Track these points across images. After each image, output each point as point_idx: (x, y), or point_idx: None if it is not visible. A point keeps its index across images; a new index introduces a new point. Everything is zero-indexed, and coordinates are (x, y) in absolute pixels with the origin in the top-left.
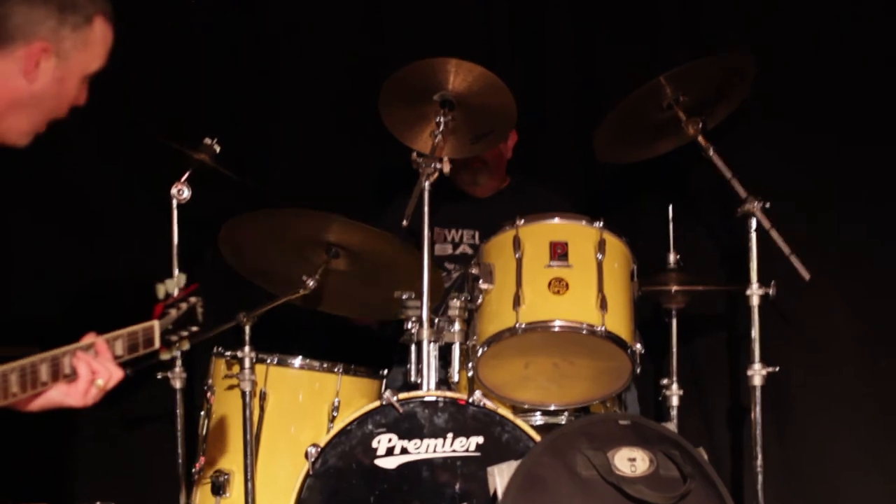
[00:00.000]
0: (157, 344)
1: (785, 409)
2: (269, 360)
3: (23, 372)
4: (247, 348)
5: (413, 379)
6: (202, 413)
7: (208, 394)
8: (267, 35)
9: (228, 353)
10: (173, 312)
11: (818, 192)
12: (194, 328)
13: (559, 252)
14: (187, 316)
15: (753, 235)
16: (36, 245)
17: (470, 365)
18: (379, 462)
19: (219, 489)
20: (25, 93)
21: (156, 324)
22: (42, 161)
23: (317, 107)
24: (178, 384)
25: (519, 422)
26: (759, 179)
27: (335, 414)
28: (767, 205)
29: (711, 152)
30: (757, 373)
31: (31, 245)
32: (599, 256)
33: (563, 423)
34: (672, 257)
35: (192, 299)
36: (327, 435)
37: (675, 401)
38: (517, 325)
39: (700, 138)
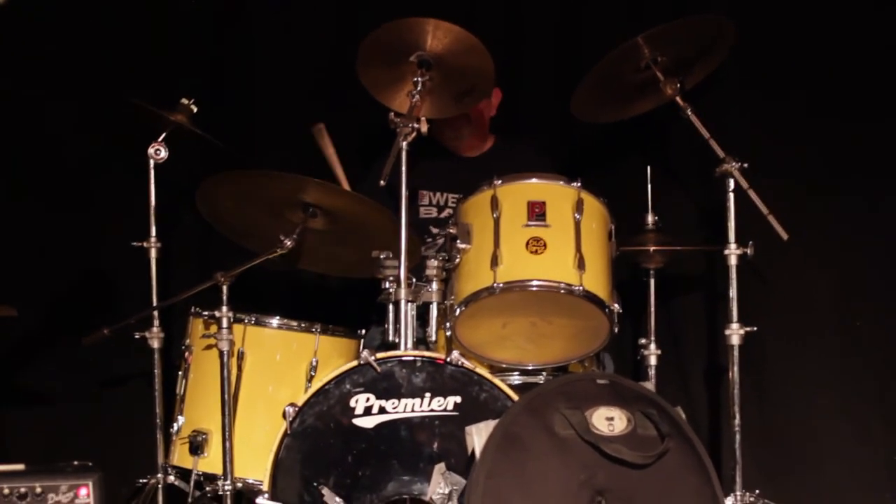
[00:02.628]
0: None
1: (762, 368)
2: (246, 320)
3: None
4: (224, 308)
5: (391, 339)
6: (180, 373)
7: (186, 353)
8: None
9: (206, 313)
10: None
11: (795, 154)
12: None
13: (537, 212)
14: None
15: (731, 195)
16: (17, 209)
17: (448, 324)
18: (357, 421)
19: (197, 449)
20: None
21: None
22: (17, 125)
23: (297, 66)
24: (155, 344)
25: (497, 381)
26: (735, 142)
27: (313, 374)
28: (745, 165)
29: (689, 112)
30: (734, 332)
31: (12, 208)
32: (577, 216)
33: (541, 382)
34: (650, 217)
35: None
36: (305, 394)
37: (652, 360)
38: (495, 285)
39: (678, 98)
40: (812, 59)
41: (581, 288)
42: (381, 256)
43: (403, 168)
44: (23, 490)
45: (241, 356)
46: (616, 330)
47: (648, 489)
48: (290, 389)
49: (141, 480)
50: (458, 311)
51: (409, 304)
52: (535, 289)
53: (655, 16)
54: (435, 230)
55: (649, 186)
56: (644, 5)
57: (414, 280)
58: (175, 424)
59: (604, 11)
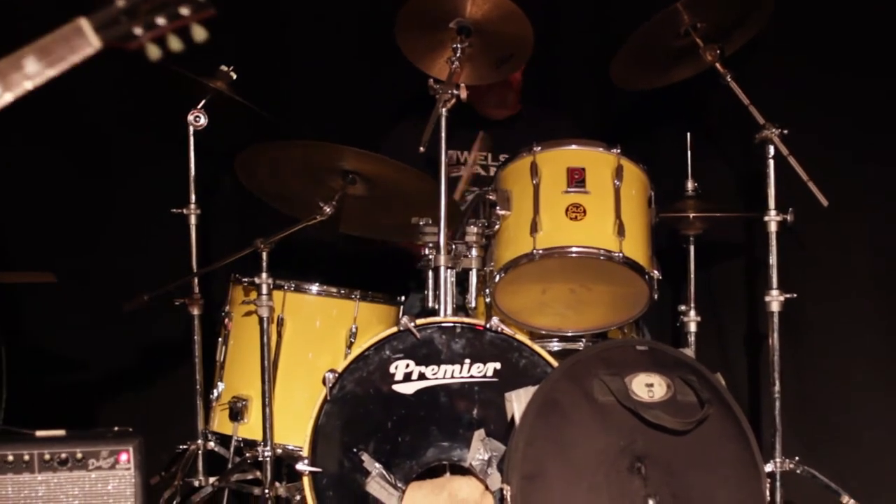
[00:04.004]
0: (94, 43)
1: (802, 335)
2: (286, 287)
3: None
4: (264, 275)
5: (430, 305)
6: (220, 339)
7: (226, 320)
8: None
9: (246, 280)
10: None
11: (837, 122)
12: (185, 8)
13: (576, 178)
14: None
15: (771, 162)
16: (55, 176)
17: (487, 291)
18: (396, 388)
19: (237, 415)
20: None
21: (81, 20)
22: (58, 95)
23: (335, 34)
24: (195, 310)
25: (536, 347)
26: (775, 108)
27: (352, 340)
28: (785, 131)
29: (729, 79)
30: (774, 299)
31: (48, 178)
32: (617, 183)
33: (581, 348)
34: (690, 184)
35: None
36: (345, 361)
37: (692, 327)
38: (534, 251)
39: (718, 65)
40: (853, 24)
41: (621, 254)
42: (421, 223)
43: (443, 135)
44: (63, 455)
45: (280, 322)
46: (656, 296)
47: (688, 455)
48: (329, 356)
49: (181, 446)
50: (497, 277)
51: (449, 270)
52: (574, 255)
53: None
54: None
55: (689, 153)
56: None
57: (454, 246)
58: (215, 391)
59: None
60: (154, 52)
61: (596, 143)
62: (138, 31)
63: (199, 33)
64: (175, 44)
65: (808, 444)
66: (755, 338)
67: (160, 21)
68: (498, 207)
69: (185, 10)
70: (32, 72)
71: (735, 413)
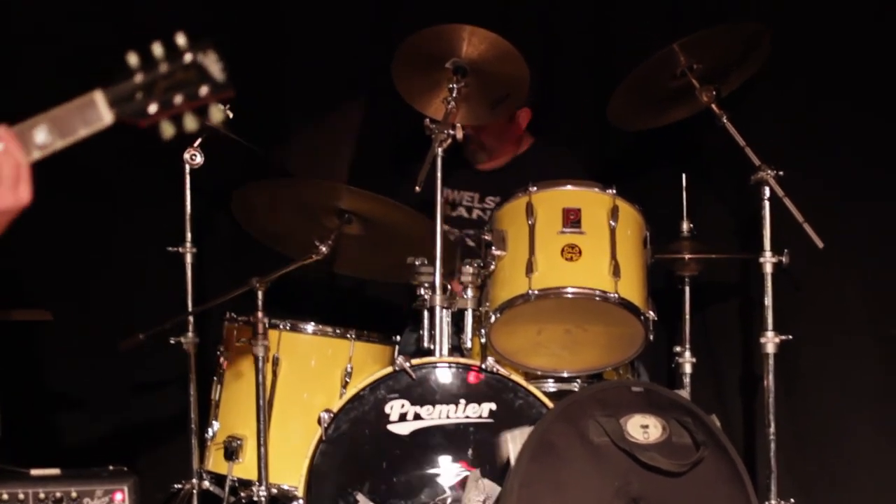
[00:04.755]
0: (106, 118)
1: (798, 377)
2: (281, 326)
3: None
4: (260, 314)
5: (426, 345)
6: (215, 378)
7: (221, 359)
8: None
9: (241, 319)
10: (140, 76)
11: (832, 161)
12: (204, 89)
13: (572, 218)
14: (185, 72)
15: (766, 203)
16: (52, 215)
17: (483, 331)
18: (392, 428)
19: (232, 454)
20: None
21: (96, 93)
22: None
23: (331, 73)
24: (191, 349)
25: (532, 388)
26: (772, 148)
27: (348, 380)
28: (781, 173)
29: (725, 120)
30: (770, 340)
31: (44, 216)
32: (612, 223)
33: (576, 389)
34: (685, 225)
35: (189, 56)
36: (340, 400)
37: (687, 368)
38: (530, 292)
39: (714, 106)
40: (849, 67)
41: (616, 295)
42: (417, 263)
43: (439, 174)
44: (58, 495)
45: (276, 362)
46: (651, 337)
47: (683, 497)
48: (325, 395)
49: (176, 486)
50: (493, 317)
51: (444, 310)
52: (570, 296)
53: (691, 23)
54: (469, 232)
55: (684, 194)
56: (679, 12)
57: (449, 286)
58: (210, 430)
59: (638, 19)
60: (168, 130)
61: (591, 184)
62: (153, 108)
63: (217, 115)
64: (191, 123)
65: (804, 486)
66: (750, 379)
67: (177, 100)
68: (493, 247)
69: (204, 91)
70: (42, 142)
71: (730, 455)
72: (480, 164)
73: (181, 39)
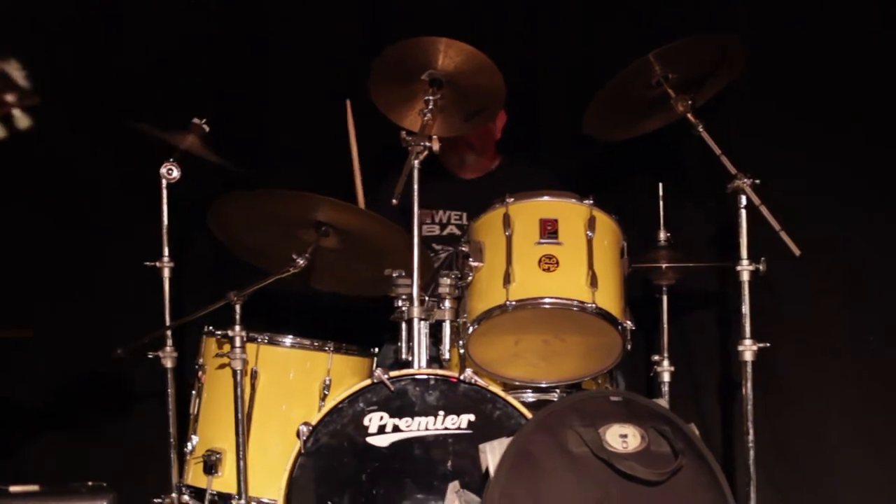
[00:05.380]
0: None
1: (776, 385)
2: (259, 339)
3: None
4: (237, 327)
5: (404, 357)
6: (193, 392)
7: (199, 373)
8: (258, 13)
9: (219, 332)
10: None
11: (809, 169)
12: (11, 96)
13: (549, 229)
14: None
15: (743, 212)
16: (29, 230)
17: (461, 342)
18: (371, 440)
19: (211, 468)
20: None
21: None
22: (32, 148)
23: (307, 85)
24: (168, 363)
25: (510, 399)
26: (747, 157)
27: (326, 392)
28: (757, 181)
29: (700, 129)
30: (747, 348)
31: (24, 231)
32: (589, 234)
33: (555, 399)
34: (662, 234)
35: None
36: (319, 413)
37: (666, 377)
38: (507, 303)
39: (689, 115)
40: (824, 74)
41: (594, 305)
42: (394, 275)
43: (416, 187)
44: None
45: (254, 375)
46: (629, 347)
47: None
48: (303, 408)
49: (156, 500)
50: (470, 328)
51: (422, 322)
52: (547, 306)
53: (666, 33)
54: (437, 247)
55: (661, 203)
56: (655, 23)
57: (426, 298)
58: (189, 444)
59: (616, 30)
60: None
61: (568, 195)
62: None
63: (23, 121)
64: (0, 131)
65: (783, 493)
66: (729, 387)
67: None
68: (471, 259)
69: (10, 98)
70: None
71: (709, 463)
72: (467, 169)
73: None
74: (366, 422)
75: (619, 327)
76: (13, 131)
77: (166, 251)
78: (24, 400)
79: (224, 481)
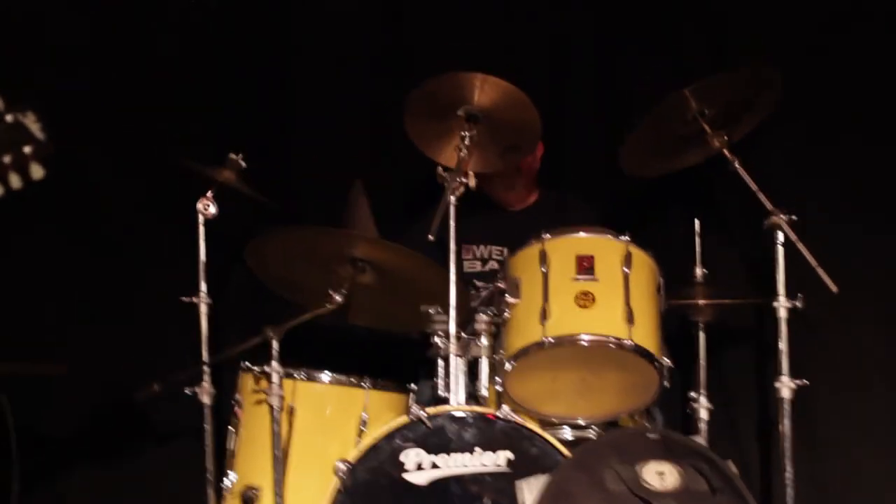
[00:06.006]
0: None
1: (814, 422)
2: (297, 375)
3: None
4: (275, 363)
5: (441, 393)
6: (231, 428)
7: (237, 409)
8: (289, 48)
9: (256, 368)
10: None
11: (846, 205)
12: (28, 148)
13: (585, 266)
14: (9, 133)
15: (780, 248)
16: (67, 265)
17: (498, 379)
18: (408, 477)
19: None
20: None
21: None
22: (70, 182)
23: (342, 120)
24: (206, 399)
25: (547, 436)
26: (784, 192)
27: (363, 429)
28: (794, 217)
29: (737, 165)
30: (785, 385)
31: (62, 265)
32: (626, 270)
33: (592, 437)
34: (699, 270)
35: (10, 117)
36: (356, 450)
37: (703, 414)
38: (544, 340)
39: (725, 151)
40: (860, 108)
41: (630, 342)
42: (431, 311)
43: (452, 223)
44: None
45: (291, 411)
46: (666, 384)
47: None
48: (340, 445)
49: None
50: (507, 365)
51: (459, 358)
52: (584, 343)
53: (699, 67)
54: (479, 283)
55: (697, 239)
56: (688, 57)
57: (463, 334)
58: (226, 480)
59: (648, 63)
60: None
61: (605, 231)
62: None
63: (38, 171)
64: (15, 182)
65: None
66: (766, 424)
67: (6, 160)
68: (507, 295)
69: (28, 150)
70: None
71: (747, 501)
72: (513, 196)
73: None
74: (403, 458)
75: (656, 364)
76: (28, 182)
77: (204, 287)
78: (59, 434)
79: None
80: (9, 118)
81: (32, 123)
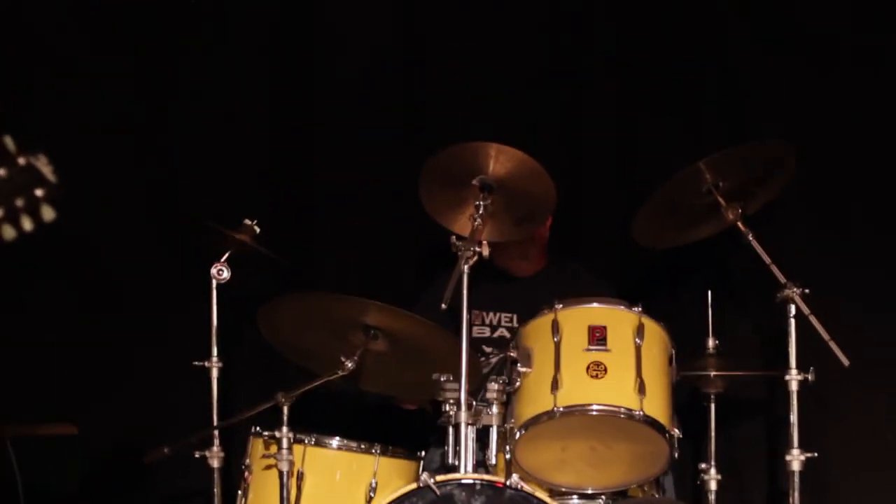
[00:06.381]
0: None
1: (824, 496)
2: (306, 441)
3: None
4: (285, 428)
5: (450, 461)
6: (239, 492)
7: (246, 473)
8: (307, 116)
9: (266, 433)
10: None
11: (857, 278)
12: (40, 191)
13: (598, 336)
14: (21, 175)
15: (792, 321)
16: (79, 325)
17: (507, 447)
18: None
19: None
20: None
21: None
22: (83, 241)
23: (356, 187)
24: (215, 463)
25: None
26: (796, 265)
27: (372, 495)
28: (807, 290)
29: (751, 238)
30: (795, 458)
31: (74, 325)
32: (638, 341)
33: None
34: (711, 342)
35: (22, 160)
36: None
37: (713, 485)
38: (555, 409)
39: (739, 224)
40: (873, 183)
41: (641, 413)
42: (442, 379)
43: (465, 292)
44: None
45: (300, 476)
46: (676, 455)
47: None
48: None
49: None
50: (517, 434)
51: (469, 426)
52: (595, 413)
53: (713, 139)
54: (488, 349)
55: (710, 310)
56: (702, 128)
57: (474, 403)
58: None
59: (663, 135)
60: (9, 233)
61: (617, 302)
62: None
63: (49, 213)
64: (28, 224)
65: None
66: (776, 497)
67: (18, 203)
68: (519, 364)
69: (39, 193)
70: None
71: None
72: (524, 265)
73: (10, 143)
74: None
75: (667, 435)
76: (40, 224)
77: (215, 351)
78: (67, 496)
79: None
80: (21, 161)
81: (44, 166)
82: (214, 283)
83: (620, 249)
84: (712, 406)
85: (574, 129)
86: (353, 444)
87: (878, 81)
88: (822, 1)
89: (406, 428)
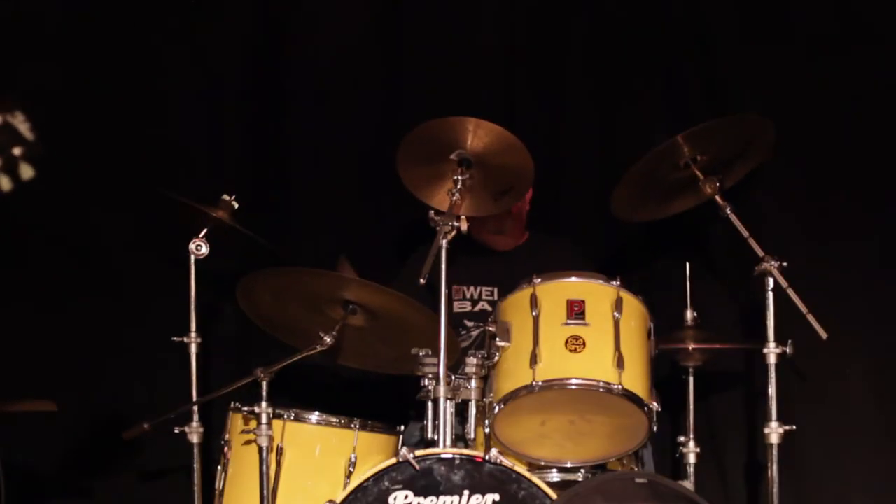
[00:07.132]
0: None
1: (802, 467)
2: (286, 416)
3: None
4: (264, 404)
5: (429, 436)
6: (219, 468)
7: (225, 448)
8: (286, 91)
9: (245, 409)
10: None
11: (834, 251)
12: (18, 149)
13: (576, 310)
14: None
15: (770, 294)
16: (57, 301)
17: (486, 422)
18: None
19: None
20: None
21: None
22: (61, 217)
23: (335, 162)
24: (195, 439)
25: (535, 479)
26: (774, 238)
27: (352, 470)
28: (784, 263)
29: (728, 211)
30: (773, 430)
31: (52, 301)
32: (616, 315)
33: (580, 480)
34: (689, 315)
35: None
36: (343, 491)
37: (691, 458)
38: (534, 383)
39: (717, 197)
40: (850, 155)
41: (620, 387)
42: (421, 354)
43: (443, 267)
44: None
45: (279, 452)
46: (655, 428)
47: None
48: (328, 485)
49: None
50: (496, 408)
51: (448, 401)
52: (574, 387)
53: (694, 114)
54: (469, 324)
55: (688, 284)
56: (683, 104)
57: (453, 377)
58: None
59: (642, 110)
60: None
61: (595, 276)
62: None
63: (27, 171)
64: (6, 184)
65: None
66: (755, 469)
67: None
68: (497, 339)
69: (17, 151)
70: None
71: None
72: (501, 239)
73: None
74: (391, 500)
75: (646, 409)
76: (19, 182)
77: (194, 327)
78: (47, 473)
79: None
80: None
81: (21, 124)
82: (193, 258)
83: (599, 223)
84: (691, 379)
85: (553, 103)
86: (333, 419)
87: (858, 57)
88: None
89: (385, 403)
